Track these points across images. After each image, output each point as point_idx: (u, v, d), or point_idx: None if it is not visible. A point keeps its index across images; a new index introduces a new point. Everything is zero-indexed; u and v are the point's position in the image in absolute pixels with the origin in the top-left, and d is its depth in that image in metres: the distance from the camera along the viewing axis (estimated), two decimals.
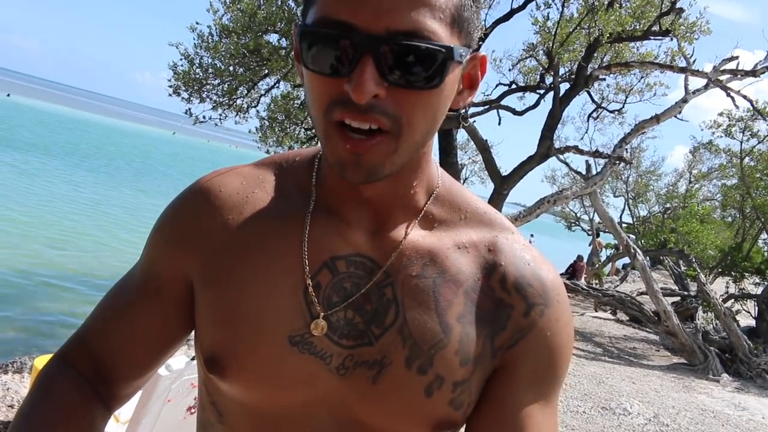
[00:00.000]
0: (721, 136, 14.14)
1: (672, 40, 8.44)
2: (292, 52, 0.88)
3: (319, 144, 0.86)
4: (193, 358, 2.51)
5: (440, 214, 0.92)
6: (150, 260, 0.96)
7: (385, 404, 0.84)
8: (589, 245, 21.01)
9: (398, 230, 0.89)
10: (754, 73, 8.77)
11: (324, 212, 0.89)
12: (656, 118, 9.33)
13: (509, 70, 10.74)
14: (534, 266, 0.91)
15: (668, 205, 22.36)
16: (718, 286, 14.44)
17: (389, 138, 0.75)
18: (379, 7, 0.70)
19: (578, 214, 30.33)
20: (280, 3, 7.82)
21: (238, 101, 9.03)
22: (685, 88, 9.57)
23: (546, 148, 8.67)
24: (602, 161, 9.60)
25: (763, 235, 14.64)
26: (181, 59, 8.53)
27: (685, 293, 12.74)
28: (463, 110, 8.14)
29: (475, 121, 9.25)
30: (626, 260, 20.89)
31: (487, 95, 10.62)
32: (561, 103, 8.86)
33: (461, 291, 0.87)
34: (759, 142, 13.66)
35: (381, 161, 0.76)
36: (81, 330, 0.97)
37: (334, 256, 0.87)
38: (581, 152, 9.06)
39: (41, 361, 3.87)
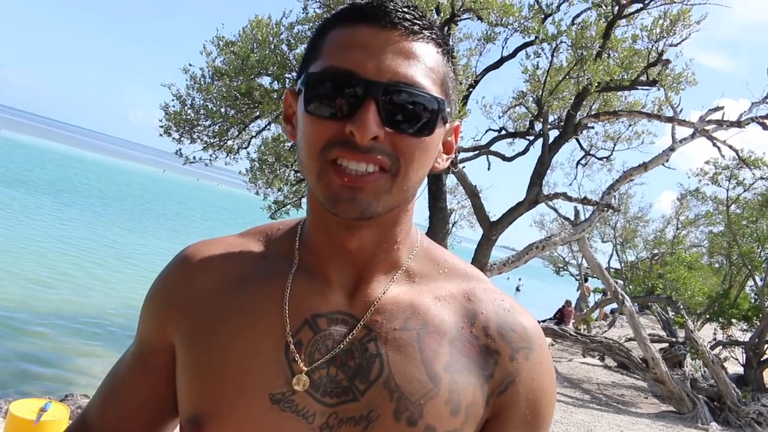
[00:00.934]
0: (708, 184, 14.27)
1: (659, 89, 8.57)
2: (282, 109, 0.93)
3: (303, 211, 0.88)
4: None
5: (420, 269, 0.94)
6: (140, 334, 0.99)
7: None
8: (577, 290, 20.97)
9: (379, 286, 0.90)
10: (738, 123, 8.91)
11: (305, 273, 0.91)
12: (644, 166, 9.43)
13: (499, 117, 10.81)
14: (513, 312, 0.93)
15: (656, 251, 22.43)
16: (706, 333, 14.43)
17: (386, 177, 0.80)
18: (382, 61, 0.78)
19: (566, 259, 30.37)
20: (273, 47, 7.89)
21: (229, 142, 9.04)
22: (672, 136, 9.70)
23: (535, 195, 8.71)
24: (591, 207, 9.64)
25: (750, 282, 14.66)
26: (173, 100, 8.55)
27: (673, 340, 12.72)
28: (454, 155, 8.19)
29: (464, 167, 9.30)
30: (615, 305, 20.90)
31: (477, 140, 10.72)
32: (550, 150, 8.94)
33: (446, 341, 0.88)
34: (745, 190, 13.79)
35: (375, 198, 0.80)
36: (86, 406, 1.03)
37: (315, 314, 0.88)
38: (570, 199, 9.11)
39: (16, 406, 3.79)
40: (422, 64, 0.81)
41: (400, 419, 0.82)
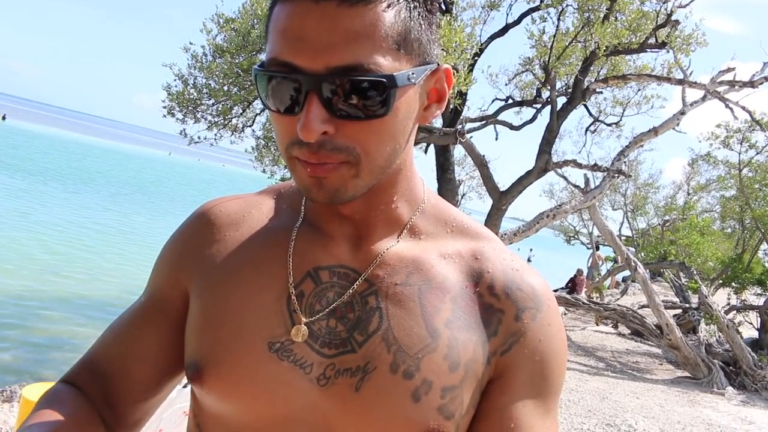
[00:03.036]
0: (719, 148, 14.13)
1: (668, 52, 8.43)
2: None
3: None
4: (185, 385, 2.43)
5: (426, 227, 0.93)
6: (153, 282, 1.00)
7: (370, 412, 0.81)
8: (589, 259, 20.92)
9: (382, 242, 0.90)
10: (752, 84, 8.76)
11: (310, 227, 0.93)
12: (654, 131, 9.31)
13: (505, 84, 10.71)
14: (522, 272, 0.91)
15: (667, 218, 22.32)
16: (720, 298, 14.38)
17: (347, 166, 0.77)
18: (318, 46, 0.72)
19: (577, 228, 30.38)
20: None
21: (233, 121, 8.98)
22: (683, 99, 9.55)
23: (544, 163, 8.62)
24: (600, 175, 9.54)
25: (764, 246, 14.60)
26: (175, 80, 8.48)
27: (687, 306, 12.67)
28: (460, 126, 8.10)
29: (472, 137, 9.20)
30: (626, 273, 20.85)
31: (484, 111, 10.62)
32: (558, 117, 8.83)
33: (448, 298, 0.87)
34: (757, 153, 13.67)
35: (342, 185, 0.79)
36: (86, 354, 1.00)
37: (318, 267, 0.89)
38: (579, 166, 9.01)
39: (29, 390, 3.78)
40: (366, 38, 0.73)
41: (397, 372, 0.81)
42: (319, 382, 0.83)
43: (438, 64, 0.83)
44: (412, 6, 0.77)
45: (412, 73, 0.77)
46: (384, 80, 0.74)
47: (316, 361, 0.83)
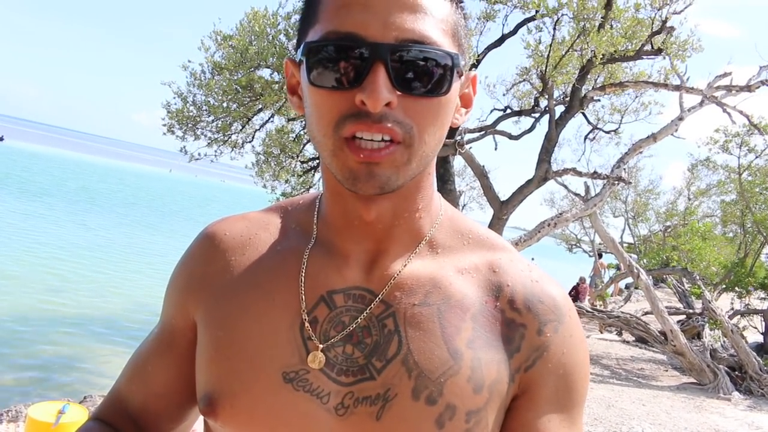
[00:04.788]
0: (719, 152, 14.14)
1: (664, 58, 8.47)
2: (285, 86, 0.87)
3: (319, 185, 0.82)
4: None
5: (444, 240, 0.90)
6: (164, 313, 0.98)
7: None
8: (593, 268, 20.90)
9: (399, 259, 0.86)
10: (749, 88, 8.78)
11: (323, 248, 0.88)
12: (653, 137, 9.32)
13: (503, 95, 10.75)
14: (541, 283, 0.88)
15: (668, 223, 22.32)
16: (723, 303, 14.33)
17: (402, 148, 0.75)
18: (387, 18, 0.72)
19: (579, 236, 30.35)
20: (271, 38, 7.84)
21: (233, 137, 9.02)
22: (680, 105, 9.58)
23: (544, 172, 8.63)
24: (600, 182, 9.55)
25: (766, 250, 14.56)
26: (174, 98, 8.53)
27: (691, 311, 12.64)
28: (459, 137, 8.13)
29: (471, 147, 9.23)
30: (629, 280, 20.80)
31: (483, 121, 10.65)
32: (557, 126, 8.85)
33: (468, 316, 0.83)
34: (756, 157, 13.67)
35: (394, 171, 0.75)
36: (111, 389, 1.01)
37: (332, 291, 0.85)
38: (579, 174, 9.02)
39: (35, 410, 3.77)
40: (431, 16, 0.74)
41: (419, 398, 0.78)
42: (338, 411, 0.79)
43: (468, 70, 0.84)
44: (459, 9, 0.80)
45: (463, 63, 0.77)
46: (450, 56, 0.75)
47: (334, 390, 0.80)
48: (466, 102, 0.87)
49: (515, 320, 0.85)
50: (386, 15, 0.72)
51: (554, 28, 8.09)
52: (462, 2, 0.81)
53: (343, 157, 0.75)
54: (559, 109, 9.25)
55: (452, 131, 8.52)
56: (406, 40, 0.72)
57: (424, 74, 0.73)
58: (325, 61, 0.74)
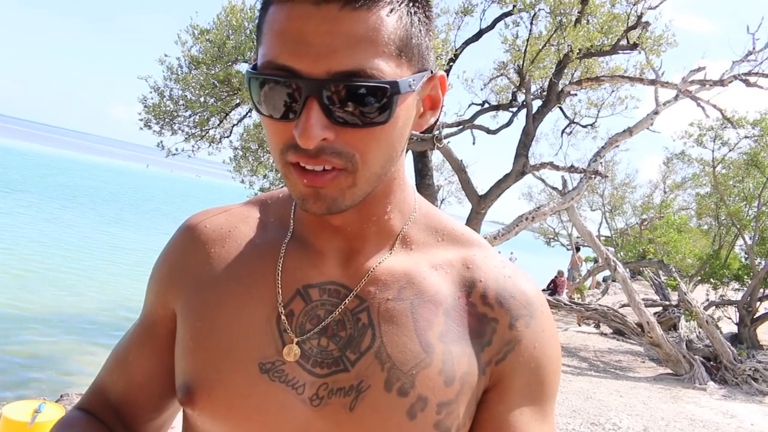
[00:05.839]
0: (693, 146, 14.31)
1: (640, 53, 8.55)
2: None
3: None
4: None
5: (418, 236, 0.91)
6: (147, 302, 0.99)
7: None
8: (570, 261, 21.06)
9: (373, 256, 0.88)
10: (721, 82, 8.89)
11: (299, 243, 0.90)
12: (629, 131, 9.41)
13: (481, 89, 10.80)
14: (515, 279, 0.90)
15: (645, 216, 22.55)
16: (699, 294, 14.53)
17: (345, 174, 0.75)
18: (320, 50, 0.69)
19: (556, 230, 30.57)
20: (249, 32, 7.79)
21: (211, 132, 8.95)
22: (656, 99, 9.67)
23: (522, 166, 8.68)
24: (578, 176, 9.63)
25: (740, 242, 14.76)
26: (151, 92, 8.44)
27: (667, 303, 12.80)
28: (437, 131, 8.14)
29: (449, 142, 9.24)
30: (607, 273, 21.01)
31: (460, 115, 10.68)
32: (534, 120, 8.90)
33: (441, 310, 0.85)
34: (730, 150, 13.85)
35: (340, 194, 0.76)
36: (95, 381, 1.01)
37: (308, 285, 0.86)
38: (557, 168, 9.08)
39: (10, 409, 3.73)
40: (368, 43, 0.70)
41: (391, 390, 0.80)
42: (312, 402, 0.81)
43: (432, 71, 0.81)
44: (413, 11, 0.75)
45: (413, 80, 0.75)
46: (387, 87, 0.71)
47: (309, 381, 0.82)
48: (432, 104, 0.84)
49: (487, 315, 0.86)
50: (319, 47, 0.69)
51: (531, 23, 8.14)
52: (417, 2, 0.76)
53: (293, 180, 0.76)
54: (537, 104, 9.32)
55: (430, 126, 8.53)
56: (340, 73, 0.69)
57: (361, 106, 0.71)
58: (265, 90, 0.73)
